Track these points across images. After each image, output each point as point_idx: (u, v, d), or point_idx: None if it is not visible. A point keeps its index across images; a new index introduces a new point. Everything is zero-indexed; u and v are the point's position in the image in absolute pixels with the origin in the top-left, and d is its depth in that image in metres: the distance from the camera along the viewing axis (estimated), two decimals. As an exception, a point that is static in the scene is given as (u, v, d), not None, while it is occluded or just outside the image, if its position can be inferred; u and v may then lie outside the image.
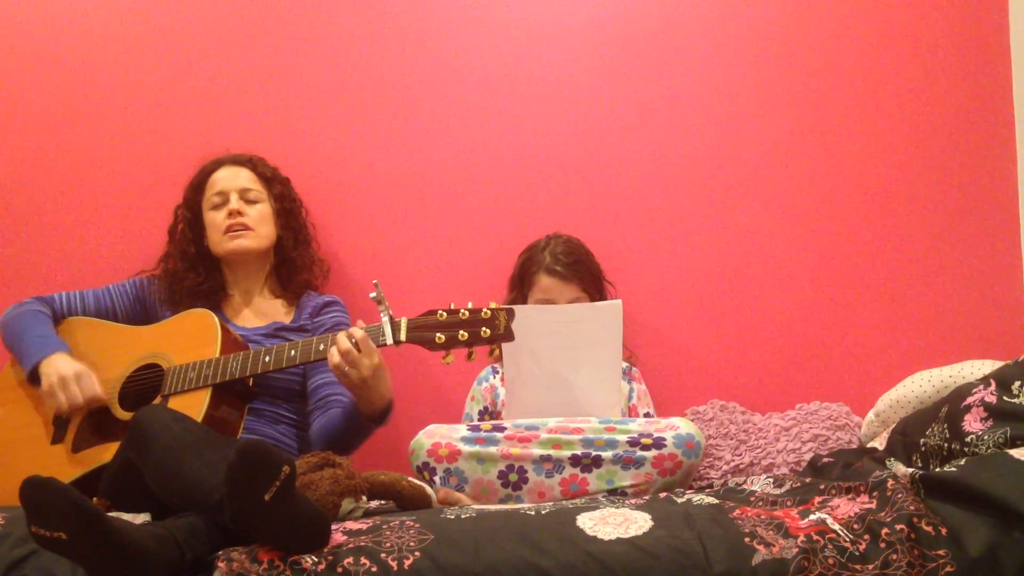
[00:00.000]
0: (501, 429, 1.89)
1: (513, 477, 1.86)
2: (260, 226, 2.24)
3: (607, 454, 1.84)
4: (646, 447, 1.85)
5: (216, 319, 2.03)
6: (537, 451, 1.85)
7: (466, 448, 1.86)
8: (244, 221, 2.21)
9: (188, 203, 2.29)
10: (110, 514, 1.32)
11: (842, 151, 2.46)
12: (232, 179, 2.24)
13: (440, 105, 2.51)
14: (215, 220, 2.22)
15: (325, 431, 2.06)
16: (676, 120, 2.48)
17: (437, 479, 1.86)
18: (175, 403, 1.89)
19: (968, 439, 1.56)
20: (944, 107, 2.44)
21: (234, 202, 2.21)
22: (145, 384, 2.00)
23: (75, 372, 1.96)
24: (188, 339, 2.02)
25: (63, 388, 1.94)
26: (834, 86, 2.47)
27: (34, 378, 2.01)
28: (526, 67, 2.51)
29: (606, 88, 2.50)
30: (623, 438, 1.86)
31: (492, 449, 1.86)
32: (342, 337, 1.83)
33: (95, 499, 1.63)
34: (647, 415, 2.24)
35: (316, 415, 2.11)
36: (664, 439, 1.85)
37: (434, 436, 1.89)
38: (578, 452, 1.85)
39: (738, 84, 2.48)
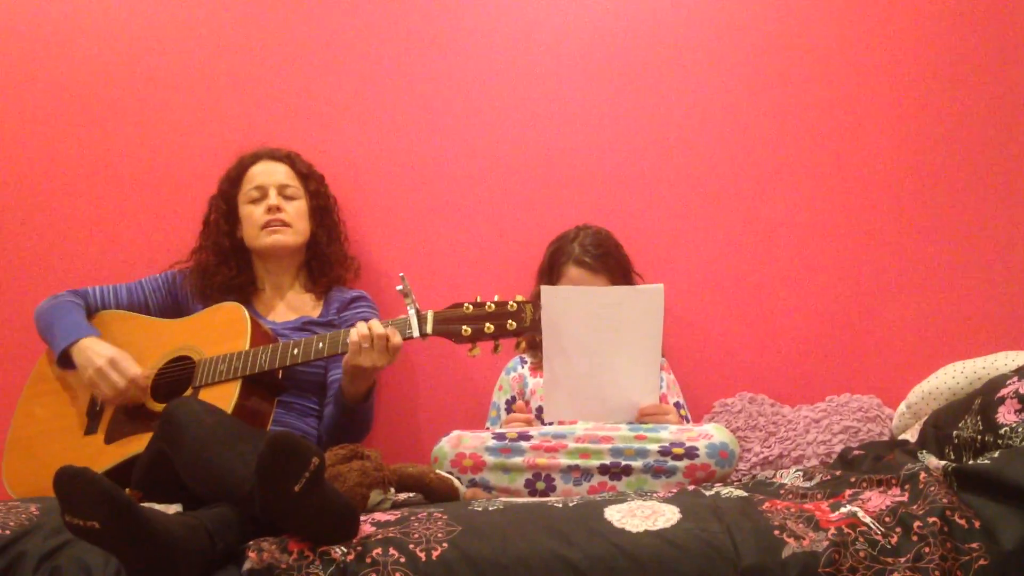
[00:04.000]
0: (527, 438, 1.85)
1: (540, 485, 1.82)
2: (297, 222, 2.25)
3: (637, 463, 1.79)
4: (678, 456, 1.79)
5: (246, 312, 2.04)
6: (564, 461, 1.81)
7: (490, 459, 1.82)
8: (282, 217, 2.22)
9: (224, 195, 2.29)
10: (142, 504, 1.34)
11: (872, 141, 2.43)
12: (271, 174, 2.25)
13: (468, 99, 2.51)
14: (252, 214, 2.23)
15: (327, 423, 2.10)
16: (704, 110, 2.47)
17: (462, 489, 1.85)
18: (206, 395, 1.91)
19: (1002, 431, 1.54)
20: (975, 96, 2.40)
21: (273, 197, 2.22)
22: (177, 376, 2.03)
23: (109, 358, 1.98)
24: (219, 332, 2.04)
25: (102, 378, 1.97)
26: (863, 74, 2.44)
27: (64, 362, 2.04)
28: (553, 60, 2.50)
29: (635, 80, 2.49)
30: (654, 447, 1.80)
31: (517, 459, 1.82)
32: (375, 322, 1.86)
33: (128, 490, 1.65)
34: (676, 404, 2.22)
35: (327, 408, 2.15)
36: (696, 449, 1.79)
37: (458, 446, 1.85)
38: (607, 461, 1.80)
39: (766, 73, 2.46)
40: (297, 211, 2.26)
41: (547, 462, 1.81)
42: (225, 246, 2.27)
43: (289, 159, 2.30)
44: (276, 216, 2.21)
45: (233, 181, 2.28)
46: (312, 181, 2.32)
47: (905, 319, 2.38)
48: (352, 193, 2.47)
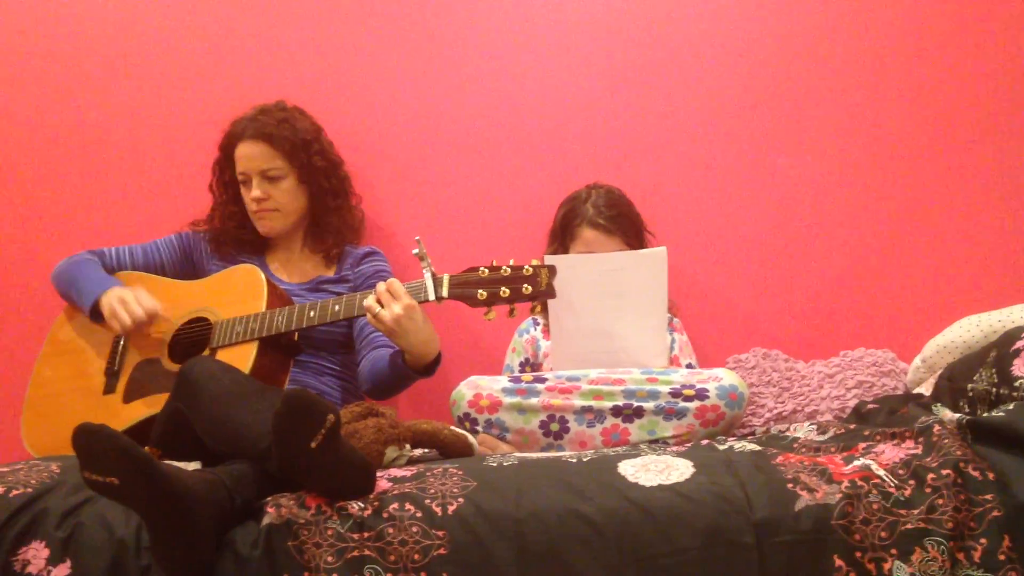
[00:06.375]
0: (542, 380, 1.90)
1: (555, 427, 1.87)
2: (287, 203, 2.21)
3: (649, 405, 1.84)
4: (688, 398, 1.84)
5: (262, 274, 2.05)
6: (578, 402, 1.86)
7: (507, 399, 1.87)
8: (267, 206, 2.19)
9: (221, 165, 2.27)
10: (162, 462, 1.36)
11: (886, 94, 2.39)
12: (251, 159, 2.18)
13: (477, 54, 2.49)
14: (246, 197, 2.22)
15: (372, 372, 2.07)
16: (715, 63, 2.44)
17: (479, 429, 1.88)
18: (223, 356, 1.93)
19: (1017, 384, 1.53)
20: (989, 52, 2.36)
21: (256, 187, 2.17)
22: (194, 337, 2.04)
23: (131, 290, 2.03)
24: (235, 294, 2.05)
25: (123, 306, 1.99)
26: (878, 29, 2.40)
27: (95, 315, 2.06)
28: (562, 13, 2.48)
29: (643, 33, 2.46)
30: (665, 389, 1.85)
31: (533, 400, 1.87)
32: (379, 284, 1.86)
33: (147, 447, 1.67)
34: (689, 366, 2.23)
35: (364, 353, 2.13)
36: (707, 390, 1.85)
37: (475, 387, 1.91)
38: (620, 403, 1.85)
39: (779, 25, 2.43)
40: (285, 191, 2.20)
41: (561, 403, 1.86)
42: (234, 211, 2.27)
43: (269, 137, 2.16)
44: (262, 206, 2.19)
45: (227, 156, 2.24)
46: (299, 152, 2.19)
47: (920, 272, 2.37)
48: (364, 156, 2.46)
